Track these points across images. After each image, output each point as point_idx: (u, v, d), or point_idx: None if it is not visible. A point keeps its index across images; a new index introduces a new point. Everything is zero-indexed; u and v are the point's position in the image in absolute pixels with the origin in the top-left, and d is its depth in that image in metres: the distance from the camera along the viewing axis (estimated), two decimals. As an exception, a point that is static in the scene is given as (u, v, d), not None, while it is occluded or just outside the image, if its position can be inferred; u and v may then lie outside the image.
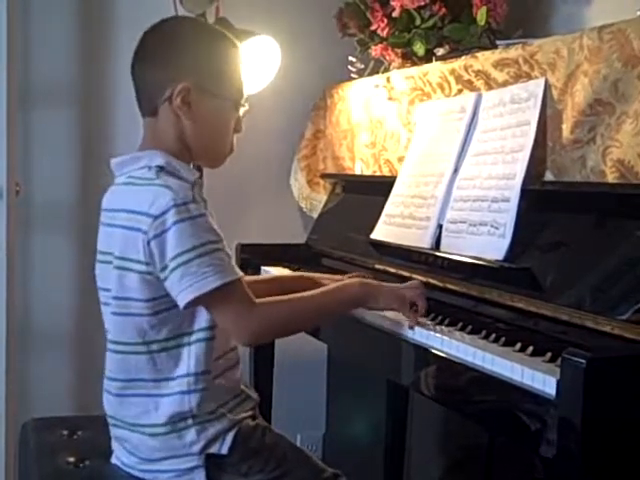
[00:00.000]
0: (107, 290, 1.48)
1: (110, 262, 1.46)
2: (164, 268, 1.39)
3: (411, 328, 1.57)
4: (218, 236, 1.43)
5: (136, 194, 1.43)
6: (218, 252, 1.40)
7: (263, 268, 2.38)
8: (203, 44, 1.52)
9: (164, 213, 1.37)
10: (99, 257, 1.51)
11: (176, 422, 1.44)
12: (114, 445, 1.55)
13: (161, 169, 1.44)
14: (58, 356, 2.73)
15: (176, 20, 1.60)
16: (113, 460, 1.55)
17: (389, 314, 1.64)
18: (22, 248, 2.62)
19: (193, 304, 1.40)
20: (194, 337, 1.45)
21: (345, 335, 1.86)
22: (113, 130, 2.71)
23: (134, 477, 1.50)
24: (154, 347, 1.44)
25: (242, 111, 1.56)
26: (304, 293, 1.55)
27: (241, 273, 1.44)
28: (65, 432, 1.73)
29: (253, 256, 2.42)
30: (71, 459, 1.60)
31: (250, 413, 1.54)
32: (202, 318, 1.45)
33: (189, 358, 1.44)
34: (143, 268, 1.41)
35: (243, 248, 2.44)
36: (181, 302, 1.40)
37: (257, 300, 1.45)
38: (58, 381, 2.72)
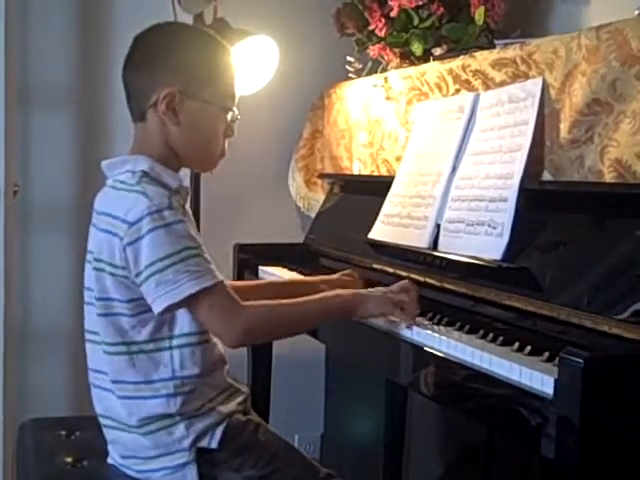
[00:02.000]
0: (91, 290, 1.48)
1: (91, 261, 1.47)
2: (138, 274, 1.40)
3: (409, 327, 1.56)
4: (195, 242, 1.42)
5: (117, 199, 1.45)
6: (195, 258, 1.40)
7: (261, 268, 2.38)
8: (189, 49, 1.51)
9: (139, 220, 1.38)
10: (87, 256, 1.52)
11: (163, 419, 1.45)
12: (109, 446, 1.55)
13: (144, 174, 1.45)
14: (56, 357, 2.72)
15: (165, 25, 1.58)
16: (110, 460, 1.55)
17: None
18: (20, 249, 2.62)
19: (168, 310, 1.41)
20: (176, 342, 1.45)
21: (343, 335, 1.86)
22: (111, 131, 2.71)
23: (131, 477, 1.50)
24: (133, 348, 1.45)
25: (230, 116, 1.54)
26: (293, 299, 1.54)
27: (221, 277, 1.43)
28: (63, 432, 1.73)
29: (251, 256, 2.42)
30: (69, 459, 1.60)
31: (240, 407, 1.53)
32: (185, 323, 1.45)
33: (172, 362, 1.45)
34: (119, 272, 1.42)
35: (241, 248, 2.44)
36: (155, 309, 1.40)
37: (244, 303, 1.45)
38: (56, 381, 2.71)
